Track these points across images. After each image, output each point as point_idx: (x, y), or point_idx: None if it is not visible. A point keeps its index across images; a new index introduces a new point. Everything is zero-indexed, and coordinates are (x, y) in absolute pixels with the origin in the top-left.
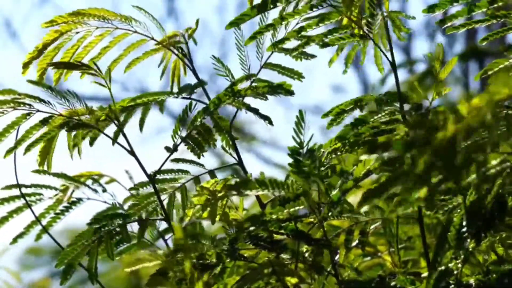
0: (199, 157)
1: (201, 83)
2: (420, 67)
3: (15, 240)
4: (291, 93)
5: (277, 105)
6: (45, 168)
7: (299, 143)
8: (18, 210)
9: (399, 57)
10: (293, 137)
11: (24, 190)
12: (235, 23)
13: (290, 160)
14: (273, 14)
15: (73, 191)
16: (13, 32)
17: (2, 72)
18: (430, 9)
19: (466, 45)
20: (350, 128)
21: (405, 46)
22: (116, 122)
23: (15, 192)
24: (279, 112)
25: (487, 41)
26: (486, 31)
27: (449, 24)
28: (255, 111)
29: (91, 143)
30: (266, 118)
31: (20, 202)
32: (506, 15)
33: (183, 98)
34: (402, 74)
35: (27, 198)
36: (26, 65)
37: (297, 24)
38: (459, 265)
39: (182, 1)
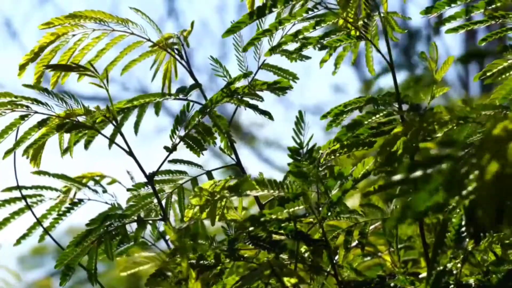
0: (198, 156)
1: (197, 85)
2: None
3: (18, 242)
4: (287, 88)
5: (277, 104)
6: (34, 165)
7: (299, 144)
8: (19, 212)
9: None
10: (293, 138)
11: (24, 192)
12: (232, 31)
13: (290, 160)
14: (270, 18)
15: (75, 193)
16: (13, 32)
17: (2, 72)
18: (428, 10)
19: (466, 45)
20: (346, 130)
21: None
22: (114, 123)
23: (16, 194)
24: (279, 111)
25: (486, 41)
26: (485, 31)
27: (447, 26)
28: (254, 107)
29: (86, 146)
30: (266, 113)
31: (21, 204)
32: (505, 16)
33: (179, 99)
34: (403, 74)
35: (28, 200)
36: (22, 67)
37: (293, 25)
38: (458, 265)
39: (182, 1)
